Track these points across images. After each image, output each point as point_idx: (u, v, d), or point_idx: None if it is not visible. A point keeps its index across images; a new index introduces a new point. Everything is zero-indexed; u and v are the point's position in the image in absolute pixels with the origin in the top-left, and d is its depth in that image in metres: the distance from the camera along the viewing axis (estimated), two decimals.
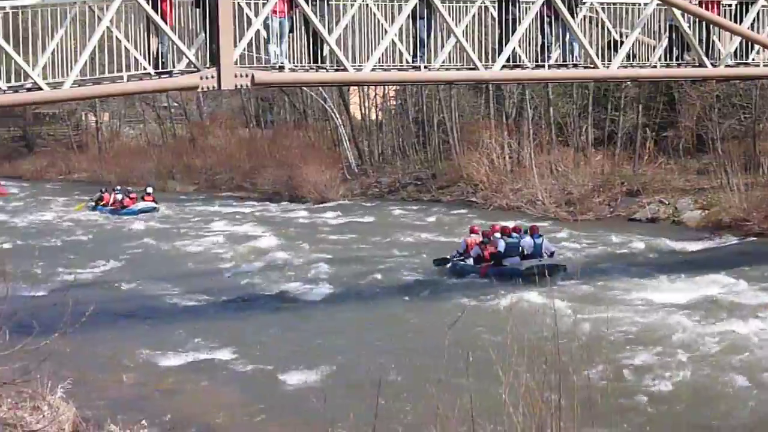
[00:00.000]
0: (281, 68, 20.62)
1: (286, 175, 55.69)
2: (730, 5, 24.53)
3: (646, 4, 23.41)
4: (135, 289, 27.84)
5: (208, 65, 19.81)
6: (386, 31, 21.39)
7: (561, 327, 8.77)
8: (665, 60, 23.97)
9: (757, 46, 24.59)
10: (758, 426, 15.20)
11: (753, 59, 24.90)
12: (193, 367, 19.38)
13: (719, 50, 24.43)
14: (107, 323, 22.18)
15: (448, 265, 28.87)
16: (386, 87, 56.19)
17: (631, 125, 46.08)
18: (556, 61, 23.11)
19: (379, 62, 21.49)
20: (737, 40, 24.30)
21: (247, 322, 23.17)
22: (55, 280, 28.56)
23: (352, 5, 21.18)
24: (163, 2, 19.57)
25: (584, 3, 23.28)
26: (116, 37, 19.63)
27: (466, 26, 22.23)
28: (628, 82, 40.33)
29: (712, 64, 24.10)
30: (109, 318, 22.96)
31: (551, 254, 27.44)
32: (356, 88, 56.08)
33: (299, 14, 20.89)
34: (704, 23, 23.87)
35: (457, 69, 22.57)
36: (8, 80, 18.69)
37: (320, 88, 54.40)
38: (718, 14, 24.09)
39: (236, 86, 20.29)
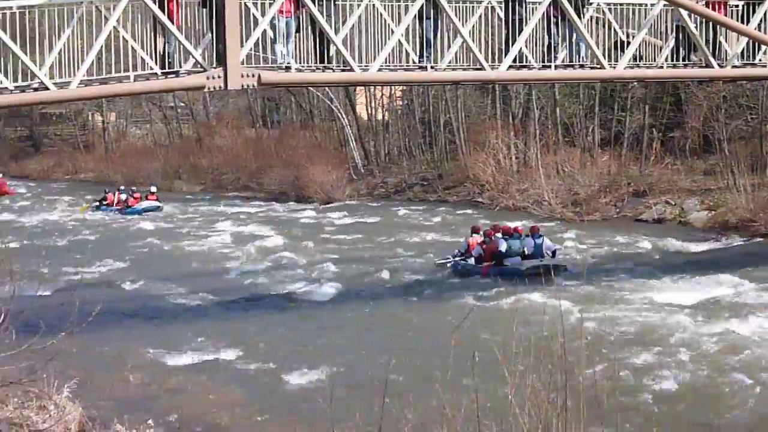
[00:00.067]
0: (288, 68, 20.64)
1: (293, 176, 55.71)
2: (736, 6, 24.51)
3: (652, 5, 23.40)
4: (141, 288, 27.86)
5: (214, 65, 19.84)
6: (393, 31, 21.40)
7: (567, 327, 8.75)
8: (672, 60, 23.96)
9: (764, 47, 24.56)
10: None
11: (760, 60, 24.88)
12: (199, 367, 19.38)
13: (726, 51, 24.42)
14: (113, 323, 22.20)
15: (449, 264, 28.97)
16: (393, 87, 56.23)
17: (637, 126, 46.04)
18: (563, 61, 23.12)
19: (386, 62, 21.51)
20: (744, 40, 24.28)
21: (253, 321, 23.18)
22: (62, 279, 28.58)
23: (358, 5, 21.18)
24: (170, 2, 19.61)
25: (591, 3, 23.27)
26: (123, 37, 19.68)
27: (473, 26, 22.25)
28: (635, 83, 40.29)
29: (718, 64, 24.09)
30: (115, 318, 22.98)
31: (553, 253, 27.49)
32: (363, 88, 56.13)
33: (306, 14, 20.90)
34: (711, 24, 23.86)
35: (464, 69, 22.58)
36: (15, 80, 18.72)
37: (327, 88, 54.40)
38: (725, 15, 24.07)
39: (243, 86, 20.31)
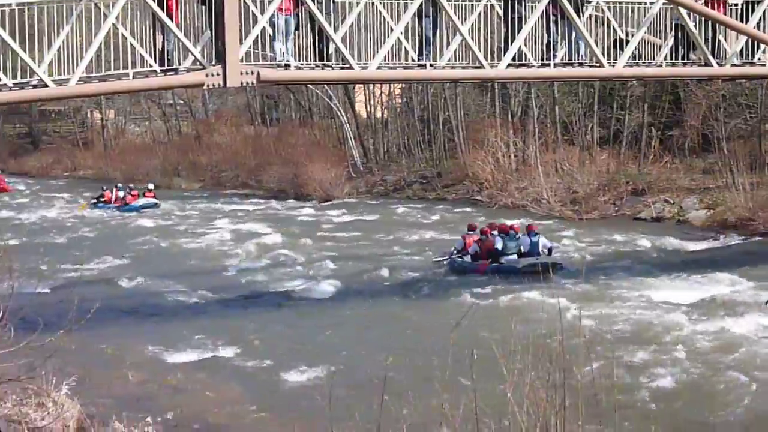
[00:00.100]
0: (287, 66, 20.64)
1: (292, 173, 55.70)
2: (736, 4, 24.50)
3: (651, 3, 23.40)
4: (139, 286, 27.86)
5: (213, 62, 19.84)
6: (392, 29, 21.40)
7: (565, 325, 8.75)
8: (671, 59, 23.96)
9: (763, 46, 24.56)
10: None
11: (759, 58, 24.88)
12: (198, 365, 19.39)
13: (725, 49, 24.41)
14: (112, 320, 22.20)
15: (446, 262, 29.09)
16: (392, 85, 56.17)
17: (636, 124, 46.02)
18: (562, 59, 23.12)
19: (385, 60, 21.51)
20: (743, 39, 24.29)
21: (251, 319, 23.19)
22: (60, 277, 28.58)
23: (357, 3, 21.18)
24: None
25: (590, 2, 23.27)
26: (122, 34, 19.67)
27: (472, 24, 22.24)
28: (634, 81, 40.25)
29: (718, 63, 24.09)
30: (114, 315, 22.99)
31: (549, 251, 27.57)
32: (362, 86, 56.03)
33: (305, 12, 20.90)
34: (710, 22, 23.85)
35: (463, 67, 22.59)
36: (14, 77, 18.72)
37: (326, 85, 54.37)
38: (724, 13, 24.07)
39: (242, 84, 20.32)
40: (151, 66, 19.71)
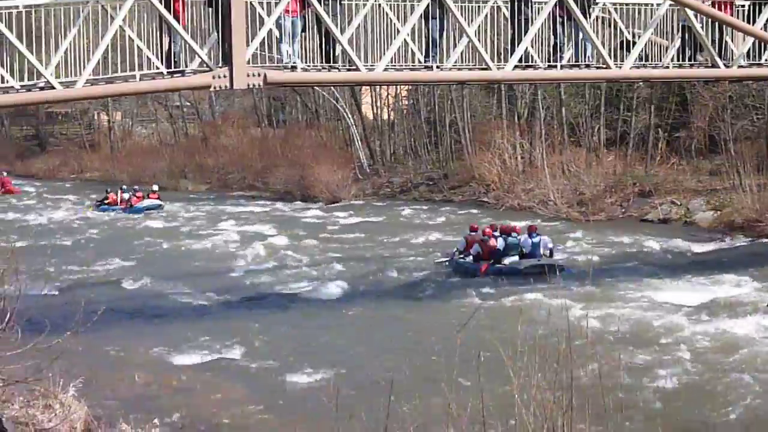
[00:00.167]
0: (293, 68, 20.65)
1: (298, 175, 55.69)
2: (743, 6, 24.49)
3: (658, 5, 23.39)
4: (146, 288, 27.88)
5: (220, 64, 19.85)
6: (398, 31, 21.42)
7: (571, 327, 8.75)
8: (678, 60, 23.95)
9: None
10: None
11: (766, 60, 24.85)
12: (204, 366, 19.40)
13: (732, 51, 24.40)
14: (118, 322, 22.23)
15: (448, 263, 29.25)
16: (398, 87, 56.21)
17: (643, 126, 45.97)
18: (569, 61, 23.11)
19: (392, 62, 21.53)
20: (750, 40, 24.27)
21: (257, 320, 23.19)
22: (67, 278, 28.62)
23: (364, 5, 21.20)
24: (175, 2, 19.63)
25: (597, 3, 23.27)
26: (129, 36, 19.71)
27: (479, 26, 22.25)
28: (641, 83, 40.27)
29: (724, 64, 24.07)
30: (121, 317, 23.02)
31: (551, 252, 27.65)
32: (368, 87, 56.05)
33: (312, 14, 20.92)
34: (717, 24, 23.84)
35: (470, 69, 22.58)
36: (21, 79, 18.76)
37: (332, 87, 54.39)
38: (731, 15, 24.05)
39: (248, 86, 20.34)
40: (157, 68, 19.74)
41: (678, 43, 23.79)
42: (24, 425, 11.76)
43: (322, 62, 21.12)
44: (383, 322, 22.83)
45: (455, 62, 22.03)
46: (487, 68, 22.10)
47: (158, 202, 50.33)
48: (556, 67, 22.93)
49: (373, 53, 21.43)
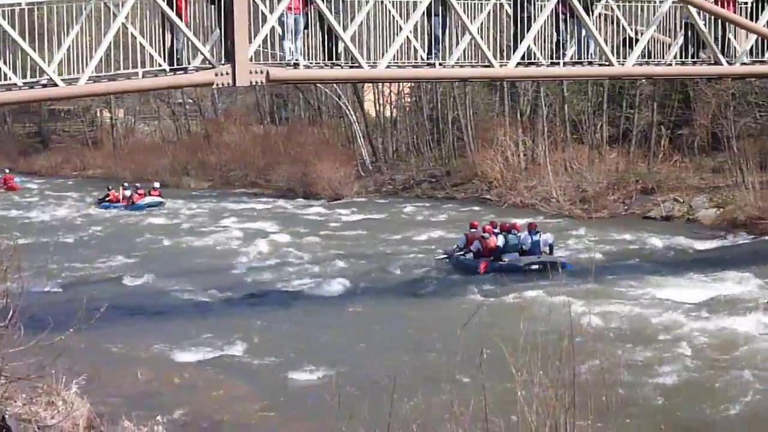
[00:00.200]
0: (296, 65, 20.65)
1: (301, 172, 55.72)
2: (746, 3, 24.45)
3: (661, 2, 23.36)
4: (148, 285, 27.89)
5: (223, 62, 19.85)
6: (401, 28, 21.40)
7: (573, 324, 8.75)
8: (680, 58, 23.92)
9: None
10: None
11: None
12: (207, 363, 19.41)
13: (735, 48, 24.37)
14: (121, 319, 22.23)
15: (448, 260, 29.40)
16: (401, 84, 56.15)
17: (646, 123, 45.95)
18: (571, 58, 23.09)
19: (394, 59, 21.52)
20: (753, 37, 24.23)
21: (260, 318, 23.19)
22: (70, 276, 28.65)
23: (367, 2, 21.18)
24: None
25: (599, 0, 23.24)
26: (131, 33, 19.69)
27: (481, 23, 22.22)
28: (643, 80, 40.26)
29: (727, 61, 24.04)
30: (123, 314, 23.03)
31: (550, 249, 27.74)
32: (371, 85, 56.04)
33: (314, 11, 20.92)
34: (720, 21, 23.81)
35: (472, 66, 22.57)
36: (24, 76, 18.75)
37: (335, 84, 54.41)
38: (734, 12, 24.01)
39: (251, 83, 20.34)
40: (160, 65, 19.74)
41: (681, 40, 23.76)
42: (27, 422, 11.76)
43: (324, 59, 21.11)
44: (385, 320, 22.83)
45: (458, 59, 22.02)
46: (490, 65, 22.10)
47: (159, 199, 50.48)
48: (558, 64, 22.92)
49: (376, 50, 21.42)
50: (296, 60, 20.62)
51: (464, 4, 22.07)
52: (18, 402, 12.34)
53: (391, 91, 60.59)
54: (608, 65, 23.18)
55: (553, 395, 8.23)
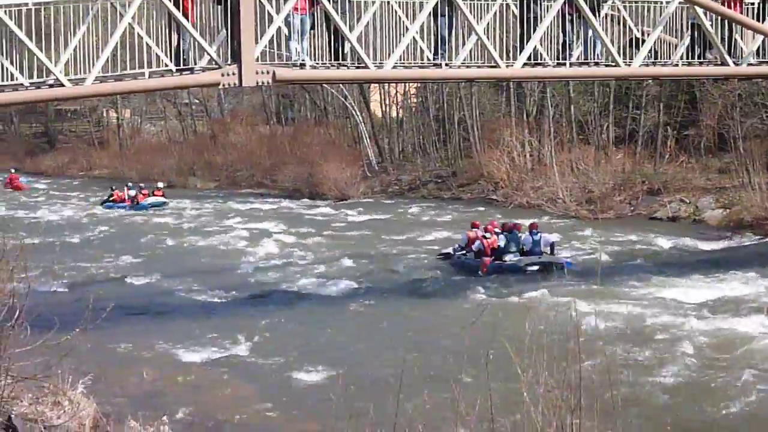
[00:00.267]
0: (302, 65, 20.66)
1: (307, 173, 55.76)
2: (752, 3, 24.44)
3: (667, 2, 23.34)
4: (154, 285, 27.92)
5: (229, 62, 19.86)
6: (407, 29, 21.41)
7: (579, 325, 8.74)
8: (687, 58, 23.90)
9: None
10: None
11: None
12: (212, 363, 19.42)
13: (741, 48, 24.34)
14: (127, 319, 22.25)
15: (449, 259, 29.49)
16: (407, 84, 56.19)
17: (652, 124, 45.92)
18: (578, 59, 23.08)
19: (401, 60, 21.52)
20: (760, 38, 24.21)
21: (265, 318, 23.19)
22: (76, 275, 28.67)
23: (373, 2, 21.19)
24: None
25: (606, 1, 23.23)
26: (138, 33, 19.71)
27: (488, 24, 22.22)
28: (650, 81, 40.24)
29: (734, 62, 24.02)
30: (129, 314, 23.03)
31: (551, 248, 27.76)
32: (377, 85, 56.07)
33: (320, 11, 20.92)
34: (726, 21, 23.79)
35: (478, 67, 22.58)
36: (30, 76, 18.80)
37: (341, 85, 54.46)
38: (741, 12, 24.00)
39: (257, 83, 20.34)
40: (166, 65, 19.76)
41: (687, 40, 23.75)
42: (33, 422, 11.77)
43: (330, 60, 21.13)
44: (390, 320, 22.82)
45: (464, 60, 22.02)
46: (496, 66, 22.09)
47: (163, 199, 50.71)
48: (565, 64, 22.91)
49: (382, 51, 21.43)
50: (302, 60, 20.63)
51: (470, 4, 22.06)
52: (24, 402, 12.35)
53: (397, 91, 60.62)
54: (615, 66, 23.17)
55: (559, 396, 8.22)
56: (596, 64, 23.29)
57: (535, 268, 26.46)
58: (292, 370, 18.48)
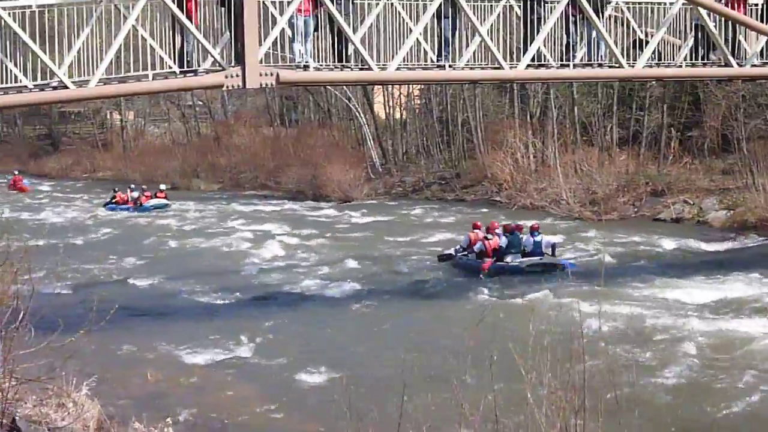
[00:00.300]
0: (306, 67, 20.66)
1: (310, 174, 55.77)
2: (756, 4, 24.43)
3: (671, 4, 23.34)
4: (158, 286, 27.94)
5: (233, 64, 19.88)
6: (411, 30, 21.41)
7: (583, 326, 8.74)
8: (691, 59, 23.90)
9: None
10: None
11: None
12: (216, 364, 19.43)
13: (745, 50, 24.34)
14: (131, 321, 22.27)
15: (450, 260, 29.47)
16: (410, 86, 56.20)
17: (656, 125, 45.89)
18: (581, 60, 23.07)
19: (404, 61, 21.53)
20: (763, 39, 24.20)
21: (268, 319, 23.20)
22: (80, 277, 28.69)
23: (377, 4, 21.20)
24: (188, 1, 19.67)
25: (609, 2, 23.23)
26: (141, 35, 19.74)
27: (491, 25, 22.22)
28: (653, 82, 40.20)
29: (737, 63, 24.02)
30: (133, 315, 23.05)
31: (553, 250, 27.78)
32: (380, 87, 56.07)
33: (324, 13, 20.93)
34: (730, 22, 23.78)
35: (482, 68, 22.57)
36: (34, 79, 18.80)
37: (345, 87, 54.45)
38: (745, 13, 23.99)
39: (261, 85, 20.35)
40: (170, 67, 19.76)
41: (691, 42, 23.74)
42: (37, 424, 11.78)
43: (334, 61, 21.14)
44: (393, 321, 22.82)
45: (468, 61, 22.02)
46: (500, 67, 22.10)
47: (165, 201, 50.90)
48: (568, 66, 22.91)
49: (386, 52, 21.44)
50: (306, 62, 20.64)
51: (474, 5, 22.07)
52: (28, 403, 12.37)
53: (400, 93, 60.64)
54: (618, 67, 23.17)
55: (563, 397, 8.22)
56: (600, 65, 23.27)
57: (537, 269, 26.52)
58: (295, 371, 18.48)
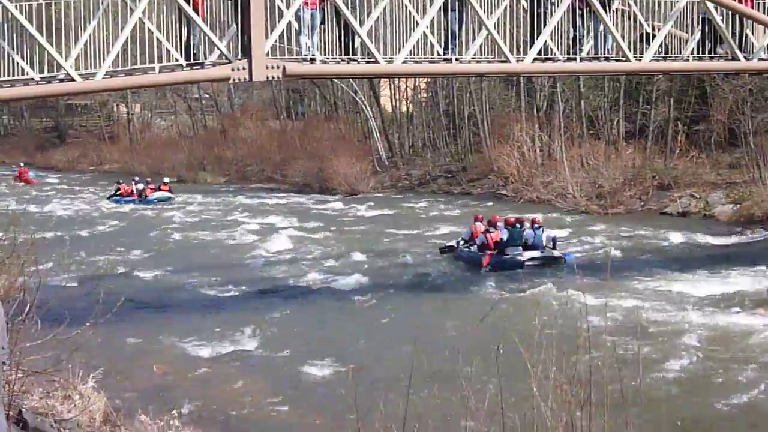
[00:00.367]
0: (312, 60, 20.65)
1: (317, 167, 55.77)
2: None
3: None
4: (164, 279, 27.97)
5: (239, 56, 19.86)
6: (418, 24, 21.38)
7: (589, 320, 8.74)
8: (698, 53, 23.85)
9: None
10: None
11: None
12: (223, 357, 19.45)
13: (752, 43, 24.29)
14: (137, 313, 22.29)
15: (452, 252, 29.61)
16: (417, 79, 56.20)
17: (662, 119, 45.83)
18: (588, 53, 23.03)
19: (411, 54, 21.50)
20: None
21: (274, 312, 23.23)
22: (86, 270, 28.70)
23: None
24: None
25: None
26: (148, 28, 19.72)
27: (498, 18, 22.19)
28: (660, 76, 40.15)
29: (745, 57, 23.97)
30: (139, 308, 23.08)
31: (554, 243, 27.88)
32: (387, 80, 56.08)
33: (331, 6, 20.92)
34: (737, 16, 23.73)
35: (489, 61, 22.54)
36: (41, 71, 18.81)
37: (351, 80, 54.46)
38: (752, 7, 23.94)
39: (268, 78, 20.34)
40: (177, 60, 19.76)
41: (698, 35, 23.69)
42: (43, 416, 11.79)
43: (341, 54, 21.12)
44: (399, 314, 22.83)
45: (474, 54, 21.99)
46: (507, 60, 22.07)
47: (168, 194, 51.11)
48: (575, 59, 22.87)
49: (392, 45, 21.42)
50: (313, 55, 20.63)
51: None
52: (35, 396, 12.38)
53: (407, 86, 60.60)
54: (625, 61, 23.13)
55: (569, 391, 8.21)
56: (607, 59, 23.23)
57: (537, 262, 26.63)
58: (301, 365, 18.50)
